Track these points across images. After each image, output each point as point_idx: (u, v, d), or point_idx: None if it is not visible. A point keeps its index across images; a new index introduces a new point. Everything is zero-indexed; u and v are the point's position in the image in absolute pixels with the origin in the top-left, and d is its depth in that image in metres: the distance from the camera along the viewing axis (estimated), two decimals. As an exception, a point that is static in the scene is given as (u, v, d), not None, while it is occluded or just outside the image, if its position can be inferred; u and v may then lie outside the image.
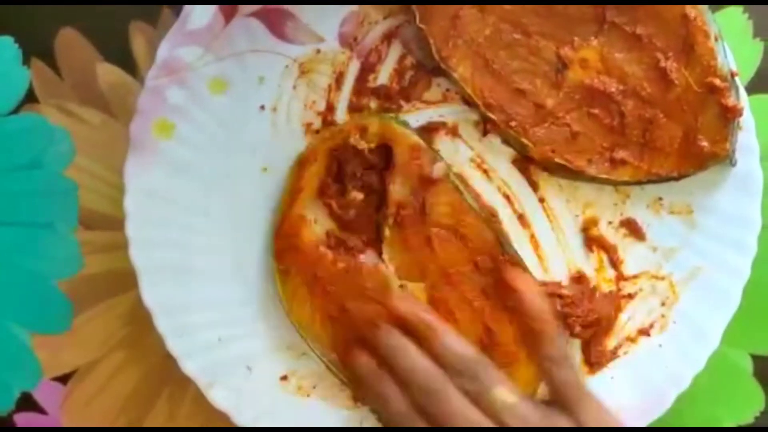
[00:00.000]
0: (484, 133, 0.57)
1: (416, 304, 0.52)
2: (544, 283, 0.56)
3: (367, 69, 0.56)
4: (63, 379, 0.57)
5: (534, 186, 0.57)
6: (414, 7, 0.54)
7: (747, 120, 0.55)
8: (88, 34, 0.57)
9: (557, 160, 0.55)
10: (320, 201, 0.54)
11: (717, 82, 0.53)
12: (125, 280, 0.55)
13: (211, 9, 0.54)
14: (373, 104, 0.56)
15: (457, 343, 0.51)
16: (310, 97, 0.56)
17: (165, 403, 0.57)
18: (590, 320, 0.55)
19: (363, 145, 0.54)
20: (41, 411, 0.57)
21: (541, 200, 0.57)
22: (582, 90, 0.55)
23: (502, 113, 0.55)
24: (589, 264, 0.57)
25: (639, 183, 0.55)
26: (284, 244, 0.54)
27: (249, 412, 0.54)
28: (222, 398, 0.54)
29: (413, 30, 0.56)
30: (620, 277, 0.57)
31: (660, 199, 0.57)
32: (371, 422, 0.55)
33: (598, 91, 0.54)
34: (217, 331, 0.55)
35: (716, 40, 0.54)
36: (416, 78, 0.57)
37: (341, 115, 0.56)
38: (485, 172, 0.57)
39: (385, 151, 0.54)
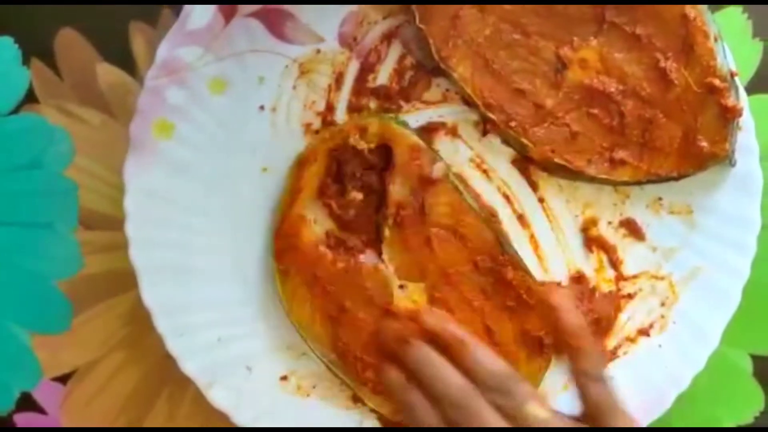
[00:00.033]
0: (484, 133, 0.57)
1: (446, 319, 0.52)
2: (543, 283, 0.56)
3: (366, 69, 0.56)
4: (63, 379, 0.57)
5: (534, 186, 0.57)
6: (414, 7, 0.54)
7: (746, 120, 0.55)
8: (88, 35, 0.57)
9: (557, 160, 0.55)
10: (320, 201, 0.54)
11: (716, 82, 0.53)
12: (125, 280, 0.55)
13: (211, 9, 0.54)
14: (373, 104, 0.56)
15: (488, 357, 0.50)
16: (310, 98, 0.56)
17: (165, 404, 0.57)
18: (590, 320, 0.55)
19: (362, 145, 0.54)
20: (41, 411, 0.57)
21: (541, 200, 0.57)
22: (581, 90, 0.55)
23: (502, 113, 0.55)
24: (588, 264, 0.57)
25: (638, 183, 0.55)
26: (284, 244, 0.54)
27: (248, 412, 0.54)
28: (222, 398, 0.54)
29: (413, 30, 0.56)
30: (620, 278, 0.57)
31: (660, 199, 0.57)
32: (371, 422, 0.55)
33: (598, 91, 0.54)
34: (216, 331, 0.55)
35: (716, 40, 0.54)
36: (416, 78, 0.57)
37: (341, 116, 0.56)
38: (485, 172, 0.57)
39: (384, 152, 0.54)
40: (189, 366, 0.54)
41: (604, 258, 0.57)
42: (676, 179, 0.55)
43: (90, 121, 0.57)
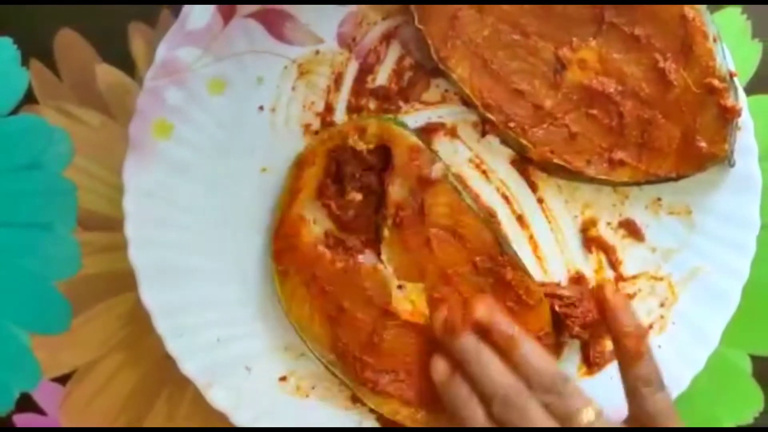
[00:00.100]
0: (483, 133, 0.57)
1: (496, 310, 0.51)
2: (542, 284, 0.56)
3: (365, 70, 0.56)
4: (62, 380, 0.57)
5: (533, 186, 0.57)
6: (413, 7, 0.54)
7: (746, 120, 0.55)
8: (87, 35, 0.57)
9: (556, 160, 0.55)
10: (319, 201, 0.54)
11: (716, 82, 0.53)
12: (124, 280, 0.55)
13: (210, 10, 0.54)
14: (372, 105, 0.56)
15: (537, 354, 0.49)
16: (309, 98, 0.56)
17: (164, 404, 0.57)
18: (589, 321, 0.55)
19: (362, 145, 0.54)
20: (40, 412, 0.57)
21: (540, 201, 0.57)
22: (580, 91, 0.55)
23: (501, 114, 0.55)
24: (587, 265, 0.57)
25: (638, 184, 0.55)
26: (283, 245, 0.54)
27: (248, 413, 0.54)
28: (221, 398, 0.54)
29: (412, 31, 0.56)
30: (619, 278, 0.57)
31: (659, 199, 0.57)
32: (370, 422, 0.55)
33: (597, 91, 0.54)
34: (215, 331, 0.55)
35: (715, 40, 0.54)
36: (415, 79, 0.57)
37: (340, 116, 0.56)
38: (484, 172, 0.57)
39: (383, 152, 0.54)
40: (188, 366, 0.54)
41: (603, 258, 0.57)
42: (675, 180, 0.55)
43: (89, 121, 0.57)
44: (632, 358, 0.49)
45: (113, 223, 0.55)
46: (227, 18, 0.54)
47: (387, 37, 0.56)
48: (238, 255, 0.55)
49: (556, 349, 0.55)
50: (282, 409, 0.55)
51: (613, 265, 0.57)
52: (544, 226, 0.57)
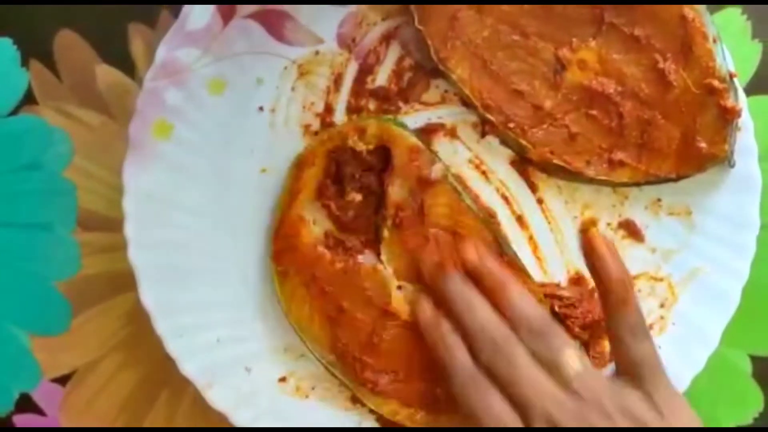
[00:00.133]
0: (483, 134, 0.57)
1: (487, 256, 0.50)
2: (542, 285, 0.56)
3: (365, 70, 0.56)
4: (62, 381, 0.57)
5: (533, 187, 0.57)
6: (412, 8, 0.54)
7: (746, 121, 0.55)
8: (87, 36, 0.57)
9: (556, 161, 0.55)
10: (319, 202, 0.54)
11: (715, 83, 0.53)
12: (124, 281, 0.55)
13: (210, 10, 0.54)
14: (372, 106, 0.56)
15: (527, 301, 0.49)
16: (309, 99, 0.56)
17: (164, 404, 0.57)
18: (589, 321, 0.55)
19: (361, 146, 0.54)
20: (40, 412, 0.57)
21: (540, 201, 0.57)
22: (580, 91, 0.55)
23: (501, 114, 0.55)
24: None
25: (637, 184, 0.55)
26: (283, 245, 0.54)
27: (247, 413, 0.54)
28: (221, 399, 0.54)
29: (412, 31, 0.56)
30: (619, 278, 0.57)
31: (658, 200, 0.57)
32: (370, 423, 0.55)
33: (597, 92, 0.54)
34: (215, 332, 0.55)
35: (715, 41, 0.53)
36: (415, 79, 0.57)
37: (340, 117, 0.56)
38: (484, 173, 0.57)
39: (383, 153, 0.54)
40: (188, 367, 0.54)
41: (603, 259, 0.57)
42: (675, 180, 0.55)
43: (89, 122, 0.57)
44: (619, 306, 0.49)
45: (113, 224, 0.55)
46: (227, 18, 0.54)
47: (387, 38, 0.56)
48: (237, 255, 0.55)
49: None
50: (282, 410, 0.55)
51: (613, 265, 0.57)
52: (544, 227, 0.57)
